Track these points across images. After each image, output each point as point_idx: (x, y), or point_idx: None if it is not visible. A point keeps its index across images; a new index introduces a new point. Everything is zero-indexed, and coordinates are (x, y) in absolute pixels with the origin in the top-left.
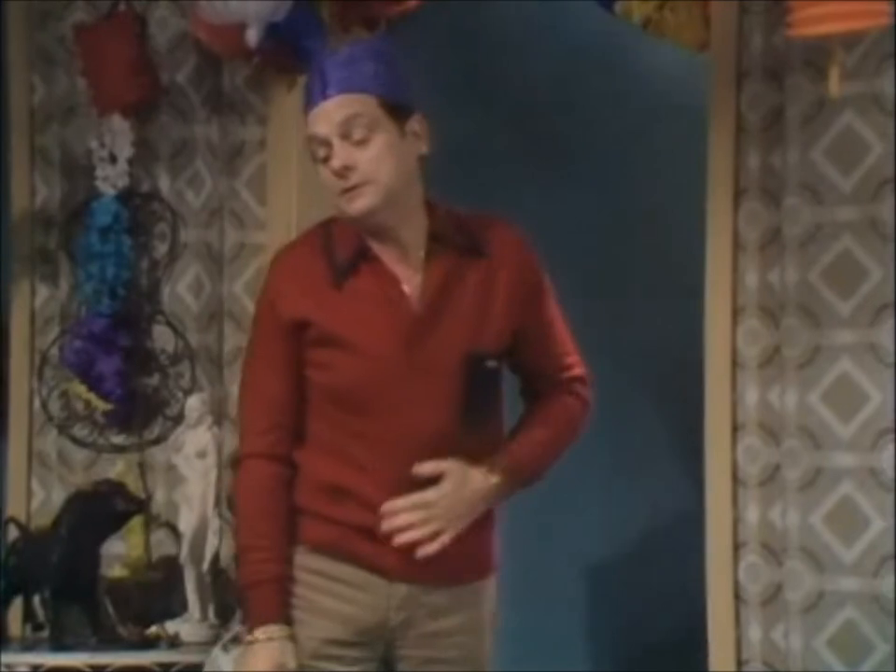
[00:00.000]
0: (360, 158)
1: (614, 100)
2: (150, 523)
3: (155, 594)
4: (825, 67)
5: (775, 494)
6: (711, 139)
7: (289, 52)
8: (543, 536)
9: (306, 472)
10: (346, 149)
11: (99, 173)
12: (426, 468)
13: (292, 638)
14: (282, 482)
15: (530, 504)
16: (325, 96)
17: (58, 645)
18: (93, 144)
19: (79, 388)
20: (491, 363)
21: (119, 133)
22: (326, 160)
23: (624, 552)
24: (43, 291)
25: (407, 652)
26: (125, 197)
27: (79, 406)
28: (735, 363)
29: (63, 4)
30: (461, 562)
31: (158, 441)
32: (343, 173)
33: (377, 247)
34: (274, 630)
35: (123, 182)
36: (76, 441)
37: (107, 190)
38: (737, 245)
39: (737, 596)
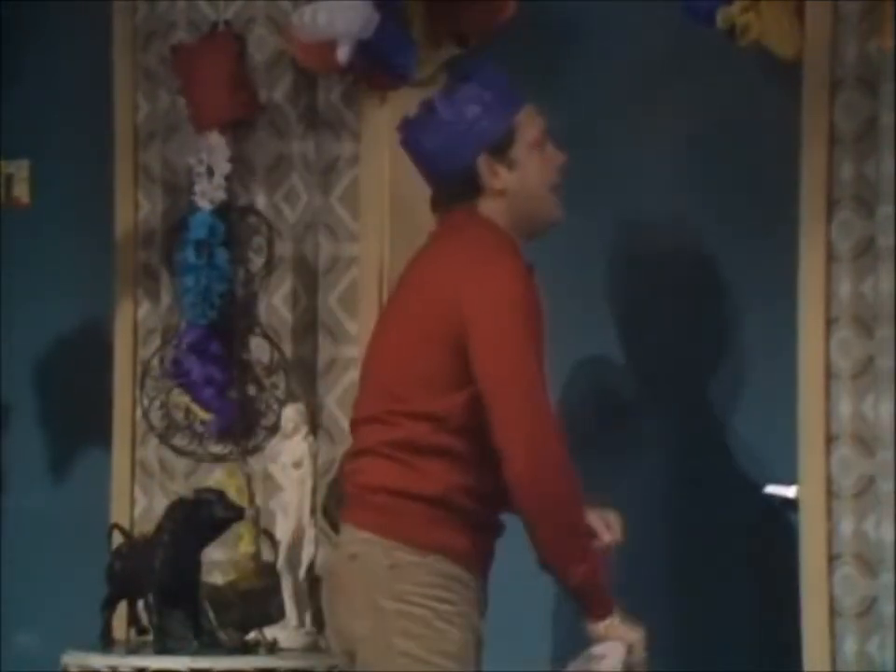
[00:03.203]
0: None
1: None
2: (259, 531)
3: (254, 600)
4: None
5: (869, 505)
6: (803, 149)
7: (381, 69)
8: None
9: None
10: None
11: (197, 188)
12: None
13: None
14: None
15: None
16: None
17: (161, 649)
18: (192, 160)
19: (179, 398)
20: None
21: (217, 150)
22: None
23: (712, 563)
24: (145, 304)
25: None
26: (223, 211)
27: (179, 416)
28: (828, 374)
29: (167, 24)
30: None
31: (255, 450)
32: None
33: None
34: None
35: (220, 197)
36: (176, 450)
37: (204, 205)
38: (830, 256)
39: (832, 609)
